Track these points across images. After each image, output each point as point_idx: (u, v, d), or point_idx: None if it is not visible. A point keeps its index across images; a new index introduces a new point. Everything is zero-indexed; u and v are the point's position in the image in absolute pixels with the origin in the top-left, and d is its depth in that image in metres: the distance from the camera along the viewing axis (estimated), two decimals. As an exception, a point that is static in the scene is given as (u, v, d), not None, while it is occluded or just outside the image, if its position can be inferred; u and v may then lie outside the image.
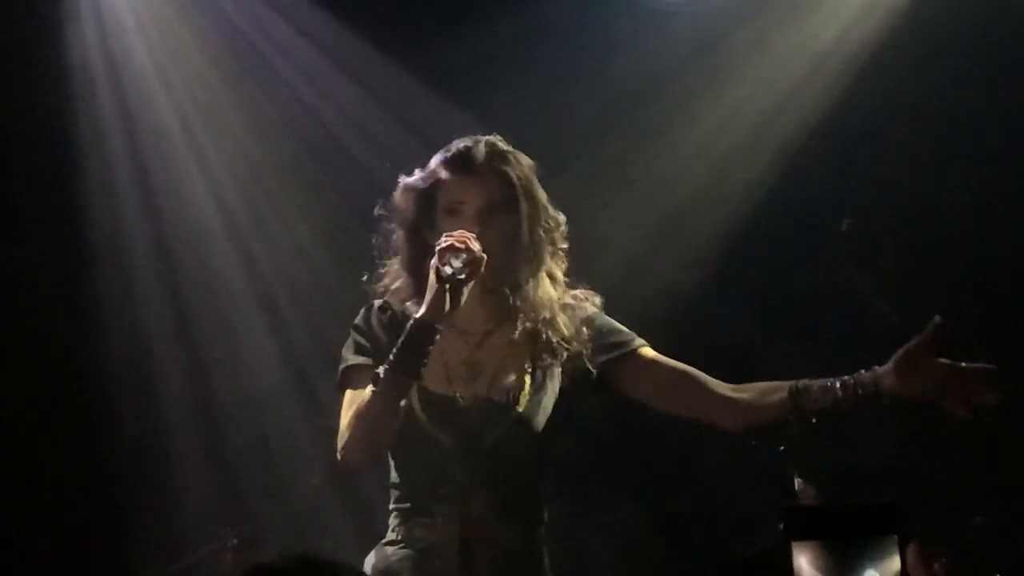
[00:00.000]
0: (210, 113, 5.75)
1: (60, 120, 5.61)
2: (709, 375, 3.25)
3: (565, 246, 3.30)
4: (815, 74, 5.53)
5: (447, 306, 3.03)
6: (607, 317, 3.30)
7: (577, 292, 3.31)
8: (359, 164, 5.62)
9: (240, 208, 5.79)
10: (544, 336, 3.22)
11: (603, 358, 3.25)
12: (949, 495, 4.89)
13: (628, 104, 5.60)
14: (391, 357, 3.05)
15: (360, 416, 3.10)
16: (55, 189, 5.60)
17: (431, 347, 3.04)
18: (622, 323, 3.31)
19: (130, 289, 5.70)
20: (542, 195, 3.26)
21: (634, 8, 5.65)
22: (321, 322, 5.54)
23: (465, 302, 3.08)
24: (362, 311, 3.29)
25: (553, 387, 3.23)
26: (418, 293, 3.17)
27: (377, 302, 3.29)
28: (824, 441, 3.12)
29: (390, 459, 3.23)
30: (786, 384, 3.14)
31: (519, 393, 3.19)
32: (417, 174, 3.27)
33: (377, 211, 3.31)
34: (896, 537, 2.60)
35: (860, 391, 3.07)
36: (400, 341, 3.05)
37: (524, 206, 3.20)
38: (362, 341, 3.23)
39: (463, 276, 3.03)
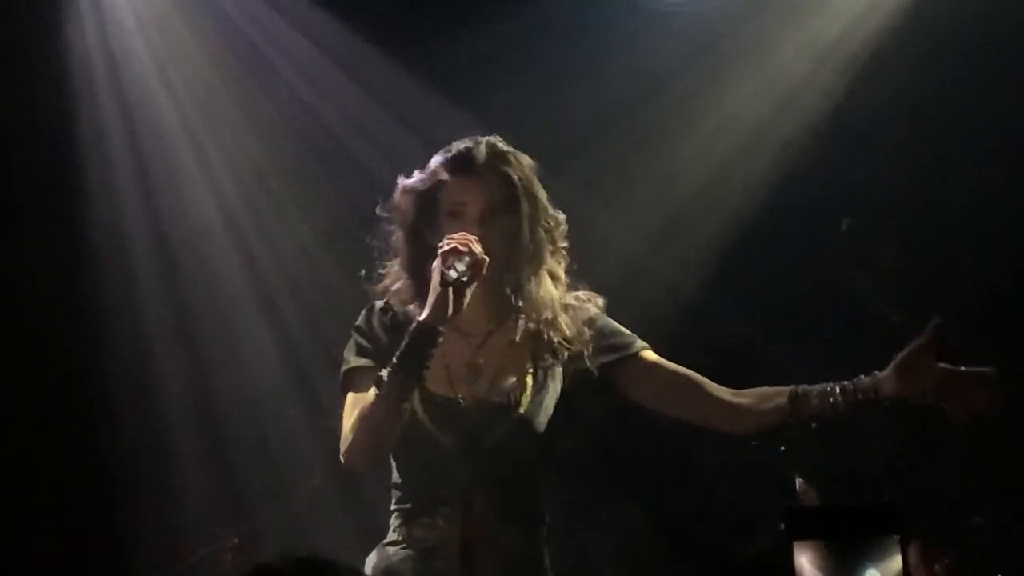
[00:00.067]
0: (210, 113, 5.76)
1: (60, 120, 5.61)
2: (710, 376, 3.26)
3: (565, 245, 3.31)
4: (816, 74, 5.53)
5: (450, 309, 3.04)
6: (609, 319, 3.30)
7: (580, 293, 3.31)
8: (359, 164, 5.62)
9: (240, 208, 5.79)
10: (546, 336, 3.22)
11: (604, 359, 3.25)
12: (950, 495, 4.89)
13: (628, 104, 5.60)
14: (394, 360, 3.05)
15: (363, 419, 3.10)
16: (55, 189, 5.60)
17: (434, 350, 3.05)
18: (623, 323, 3.32)
19: (130, 289, 5.70)
20: (542, 195, 3.26)
21: (634, 8, 5.65)
22: (322, 322, 5.54)
23: (467, 303, 3.08)
24: (363, 312, 3.29)
25: (554, 387, 3.23)
26: (419, 294, 3.18)
27: (378, 303, 3.28)
28: (825, 442, 3.12)
29: (391, 460, 3.23)
30: (785, 389, 3.14)
31: (520, 394, 3.19)
32: (417, 175, 3.27)
33: (377, 212, 3.31)
34: (897, 537, 2.60)
35: (859, 396, 3.07)
36: (403, 344, 3.05)
37: (525, 206, 3.20)
38: (363, 343, 3.23)
39: (466, 279, 3.04)
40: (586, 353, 3.24)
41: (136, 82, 5.71)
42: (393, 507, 3.23)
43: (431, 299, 3.05)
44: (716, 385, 3.23)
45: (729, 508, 5.21)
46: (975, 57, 5.33)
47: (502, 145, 3.25)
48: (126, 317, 5.68)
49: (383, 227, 3.31)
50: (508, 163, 3.22)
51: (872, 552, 2.60)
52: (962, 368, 3.01)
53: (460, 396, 3.18)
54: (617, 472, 5.43)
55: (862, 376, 3.08)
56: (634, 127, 5.62)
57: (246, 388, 5.66)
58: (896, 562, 2.60)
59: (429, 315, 3.05)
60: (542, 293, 3.24)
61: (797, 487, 3.11)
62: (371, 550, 3.25)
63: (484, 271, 3.07)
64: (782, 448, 3.14)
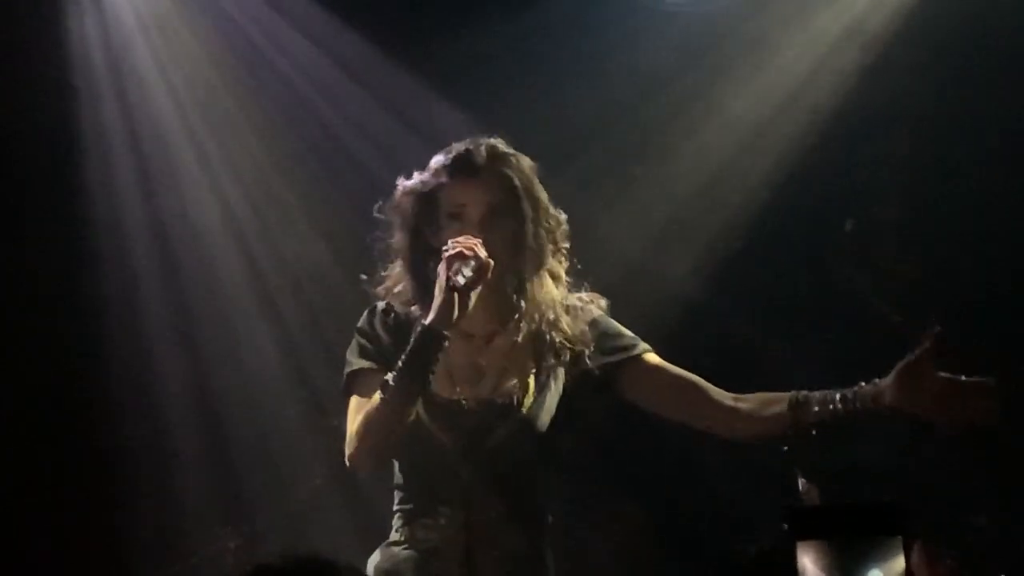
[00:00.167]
0: (210, 112, 5.75)
1: (60, 120, 5.60)
2: (710, 376, 3.27)
3: (567, 245, 3.31)
4: (816, 75, 5.52)
5: (456, 313, 3.04)
6: (612, 320, 3.30)
7: (583, 294, 3.31)
8: (359, 164, 5.62)
9: (241, 207, 5.78)
10: (548, 337, 3.23)
11: (606, 361, 3.25)
12: (952, 495, 4.89)
13: (628, 104, 5.60)
14: (400, 365, 3.06)
15: (368, 423, 3.10)
16: (55, 189, 5.59)
17: (440, 354, 3.05)
18: (623, 324, 3.32)
19: (130, 289, 5.69)
20: (543, 196, 3.27)
21: (634, 8, 5.64)
22: (322, 322, 5.54)
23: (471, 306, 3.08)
24: (365, 314, 3.29)
25: (556, 388, 3.23)
26: (421, 296, 3.18)
27: (380, 304, 3.29)
28: (827, 441, 3.12)
29: (393, 461, 3.23)
30: (786, 395, 3.14)
31: (523, 395, 3.19)
32: (417, 177, 3.27)
33: (377, 213, 3.31)
34: (900, 537, 2.60)
35: (859, 405, 3.07)
36: (408, 349, 3.06)
37: (526, 208, 3.20)
38: (366, 344, 3.23)
39: (472, 283, 3.04)
40: (588, 354, 3.24)
41: (136, 82, 5.70)
42: (395, 508, 3.24)
43: (436, 303, 3.06)
44: (717, 389, 3.23)
45: (729, 507, 5.21)
46: (976, 58, 5.33)
47: (502, 147, 3.25)
48: (126, 317, 5.67)
49: (383, 228, 3.31)
50: (509, 165, 3.22)
51: (875, 552, 2.59)
52: (962, 378, 3.01)
53: (462, 397, 3.19)
54: (617, 471, 5.43)
55: (863, 384, 3.09)
56: (634, 127, 5.61)
57: (246, 388, 5.66)
58: (899, 562, 2.60)
59: (434, 320, 3.05)
60: (544, 294, 3.25)
61: (799, 486, 3.10)
62: (372, 550, 3.26)
63: (489, 275, 3.07)
64: (784, 447, 3.14)
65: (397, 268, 3.29)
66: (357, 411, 3.15)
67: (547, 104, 5.48)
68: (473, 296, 3.07)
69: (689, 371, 3.29)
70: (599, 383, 3.26)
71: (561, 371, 3.24)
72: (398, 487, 3.24)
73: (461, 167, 3.21)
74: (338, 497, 5.24)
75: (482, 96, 5.36)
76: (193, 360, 5.68)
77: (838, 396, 3.09)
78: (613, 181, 5.63)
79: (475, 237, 3.10)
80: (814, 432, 3.09)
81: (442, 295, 3.04)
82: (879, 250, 5.31)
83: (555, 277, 3.28)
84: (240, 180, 5.78)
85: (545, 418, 3.20)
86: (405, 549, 3.18)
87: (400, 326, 3.21)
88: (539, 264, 3.24)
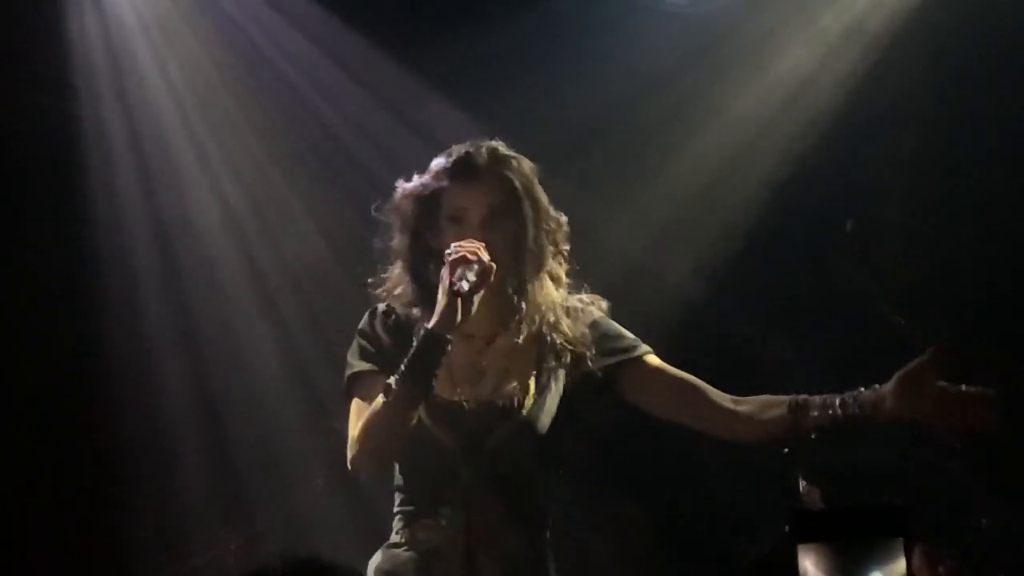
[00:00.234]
0: (211, 112, 5.75)
1: (60, 120, 5.60)
2: (710, 376, 3.27)
3: (567, 247, 3.31)
4: (817, 75, 5.52)
5: (459, 317, 3.04)
6: (613, 322, 3.30)
7: (584, 296, 3.32)
8: (359, 164, 5.62)
9: (241, 207, 5.78)
10: (548, 339, 3.23)
11: (607, 362, 3.25)
12: (953, 497, 4.88)
13: (628, 104, 5.60)
14: (402, 368, 3.05)
15: (370, 426, 3.10)
16: (56, 189, 5.59)
17: (443, 358, 3.05)
18: (623, 324, 3.32)
19: (131, 289, 5.68)
20: (544, 197, 3.27)
21: (634, 8, 5.64)
22: (322, 322, 5.54)
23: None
24: (366, 315, 3.29)
25: (557, 389, 3.23)
26: (422, 298, 3.19)
27: (381, 306, 3.29)
28: (828, 443, 3.12)
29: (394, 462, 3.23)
30: (786, 399, 3.14)
31: (523, 396, 3.19)
32: (417, 179, 3.27)
33: (378, 214, 3.31)
34: (902, 539, 2.60)
35: (859, 410, 3.07)
36: (411, 353, 3.06)
37: (527, 210, 3.21)
38: (367, 346, 3.23)
39: (475, 287, 3.04)
40: (589, 355, 3.24)
41: (137, 81, 5.70)
42: (395, 509, 3.24)
43: (439, 308, 3.05)
44: (717, 392, 3.23)
45: (730, 508, 5.21)
46: (977, 58, 5.33)
47: (503, 149, 3.25)
48: (126, 317, 5.67)
49: (383, 230, 3.31)
50: (509, 167, 3.22)
51: (876, 554, 2.59)
52: (962, 387, 3.01)
53: (463, 398, 3.19)
54: (617, 472, 5.43)
55: (863, 389, 3.08)
56: (634, 127, 5.61)
57: (247, 388, 5.65)
58: (900, 564, 2.59)
59: (437, 324, 3.05)
60: (544, 295, 3.25)
61: (800, 488, 3.10)
62: (372, 551, 3.25)
63: (492, 278, 3.07)
64: (784, 449, 3.14)
65: (397, 270, 3.29)
66: (358, 414, 3.15)
67: (547, 104, 5.48)
68: (476, 300, 3.06)
69: (689, 372, 3.29)
70: (600, 385, 3.26)
71: (562, 373, 3.24)
72: (398, 488, 3.24)
73: (462, 170, 3.21)
74: (338, 498, 5.24)
75: (482, 96, 5.36)
76: (193, 360, 5.68)
77: (838, 401, 3.09)
78: (613, 181, 5.63)
79: (476, 240, 3.10)
80: (813, 436, 3.09)
81: (445, 299, 3.04)
82: (880, 250, 5.30)
83: (555, 279, 3.28)
84: (240, 180, 5.78)
85: (545, 419, 3.20)
86: (406, 550, 3.18)
87: (401, 328, 3.21)
88: (540, 266, 3.24)
